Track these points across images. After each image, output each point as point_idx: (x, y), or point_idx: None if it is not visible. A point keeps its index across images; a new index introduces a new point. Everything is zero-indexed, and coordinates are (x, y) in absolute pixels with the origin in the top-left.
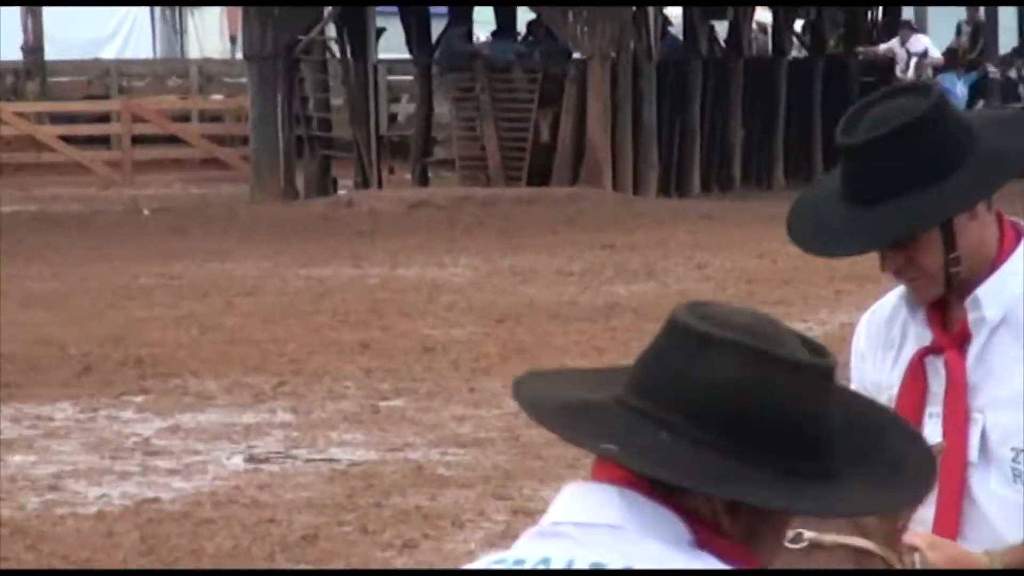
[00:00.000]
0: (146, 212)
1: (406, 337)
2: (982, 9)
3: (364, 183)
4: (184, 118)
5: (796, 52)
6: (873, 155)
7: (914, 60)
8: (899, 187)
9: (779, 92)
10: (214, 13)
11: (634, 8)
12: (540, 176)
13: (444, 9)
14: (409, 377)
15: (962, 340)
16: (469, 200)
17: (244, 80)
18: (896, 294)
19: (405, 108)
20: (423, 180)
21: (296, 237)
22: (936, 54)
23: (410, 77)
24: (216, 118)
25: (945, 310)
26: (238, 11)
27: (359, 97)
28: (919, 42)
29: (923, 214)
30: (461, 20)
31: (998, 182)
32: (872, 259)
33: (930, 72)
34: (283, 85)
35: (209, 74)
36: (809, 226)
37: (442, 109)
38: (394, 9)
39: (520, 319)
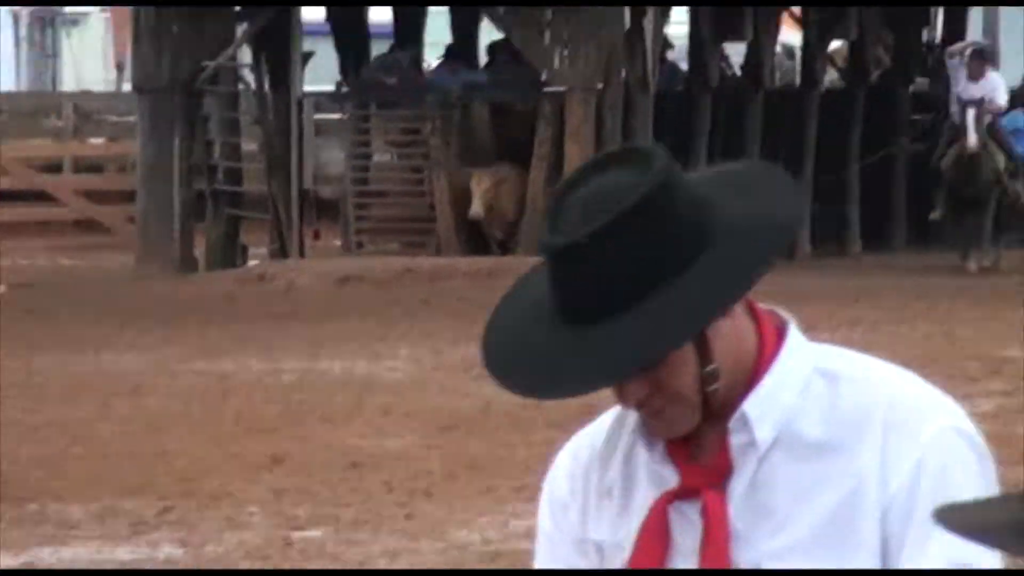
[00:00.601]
0: (1, 289)
1: (328, 450)
2: None
3: (281, 251)
4: (55, 168)
5: (831, 81)
6: (588, 259)
7: (970, 111)
8: (631, 296)
9: (808, 132)
10: (95, 33)
11: (627, 26)
12: (503, 242)
13: (388, 28)
14: (330, 501)
15: (721, 474)
16: (413, 273)
17: (132, 119)
18: (609, 419)
19: (336, 155)
20: (356, 248)
21: (192, 321)
22: (1001, 98)
23: (344, 115)
24: (95, 168)
25: (692, 437)
26: (126, 31)
27: (278, 141)
28: (988, 84)
29: (670, 329)
30: (408, 41)
31: (758, 267)
32: (920, 346)
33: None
34: (181, 125)
35: (87, 111)
36: (512, 354)
37: (383, 156)
38: (324, 28)
39: (472, 427)
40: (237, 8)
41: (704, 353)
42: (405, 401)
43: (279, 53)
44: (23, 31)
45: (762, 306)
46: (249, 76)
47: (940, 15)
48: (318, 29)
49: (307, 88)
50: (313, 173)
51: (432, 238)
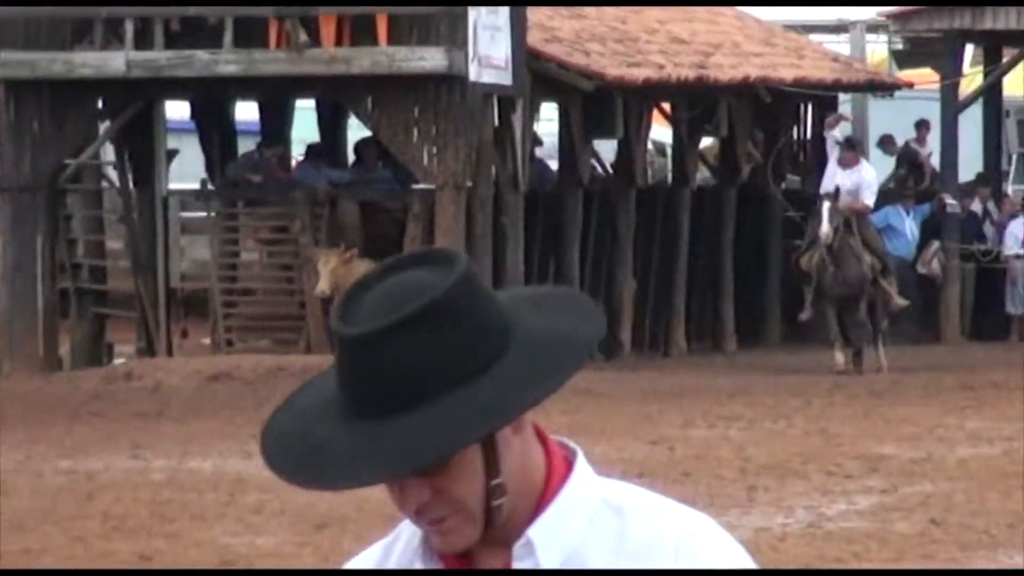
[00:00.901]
0: None
1: (199, 548)
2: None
3: (148, 350)
4: None
5: (702, 179)
6: (380, 351)
7: (825, 203)
8: (421, 393)
9: (680, 231)
10: None
11: (496, 123)
12: None
13: (254, 126)
14: None
15: None
16: (283, 372)
17: None
18: (382, 547)
19: (203, 253)
20: (226, 345)
21: (58, 420)
22: (868, 195)
23: (211, 213)
24: None
25: (473, 560)
26: None
27: (144, 238)
28: (858, 174)
29: (460, 427)
30: (274, 138)
31: (553, 380)
32: (797, 444)
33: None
34: (44, 224)
35: None
36: (294, 447)
37: (251, 254)
38: (189, 125)
39: (346, 524)
40: (100, 105)
41: (492, 464)
42: (277, 498)
43: (143, 150)
44: None
45: (552, 436)
46: (113, 174)
47: (810, 112)
48: (183, 126)
49: (172, 186)
50: (181, 271)
51: (303, 336)
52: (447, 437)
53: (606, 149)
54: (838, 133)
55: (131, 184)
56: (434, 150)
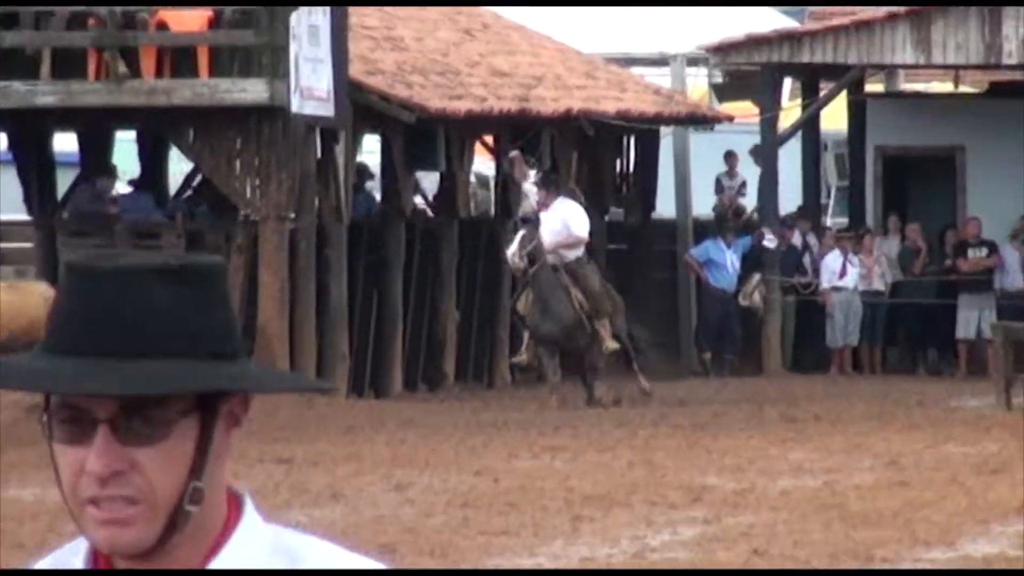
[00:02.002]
0: None
1: None
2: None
3: None
4: None
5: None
6: (144, 290)
7: (521, 230)
8: (168, 344)
9: (503, 262)
10: None
11: (319, 154)
12: None
13: (75, 156)
14: None
15: None
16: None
17: None
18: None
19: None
20: None
21: None
22: (578, 228)
23: (29, 244)
24: None
25: None
26: None
27: None
28: (556, 213)
29: (201, 374)
30: (96, 171)
31: (296, 384)
32: (622, 475)
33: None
34: None
35: None
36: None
37: None
38: (7, 156)
39: None
40: None
41: (200, 462)
42: None
43: None
44: None
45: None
46: None
47: (632, 144)
48: (1, 158)
49: None
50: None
51: None
52: (187, 377)
53: (429, 181)
54: (522, 175)
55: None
56: (257, 182)
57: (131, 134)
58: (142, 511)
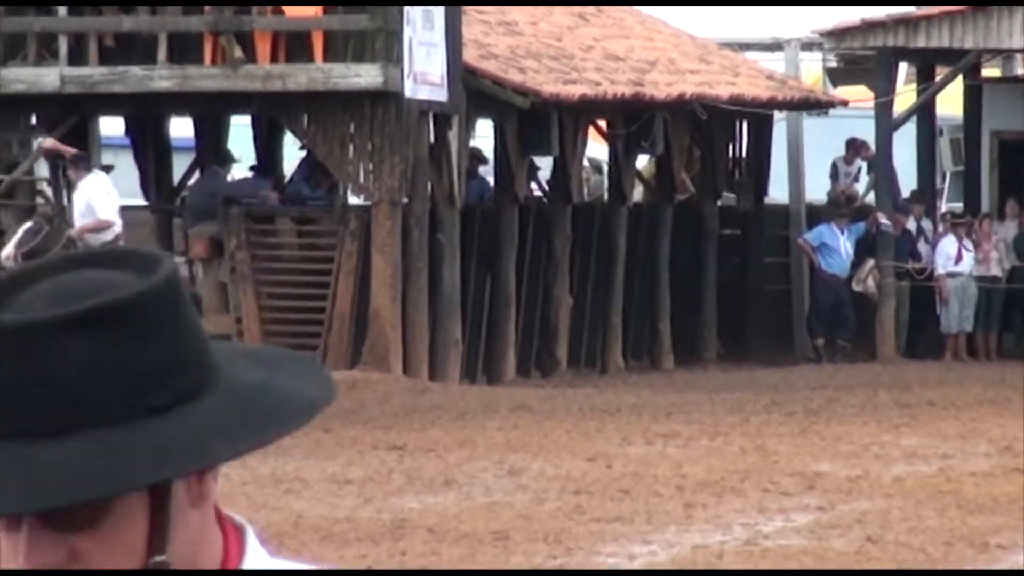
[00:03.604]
0: None
1: None
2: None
3: None
4: None
5: (642, 196)
6: (40, 351)
7: None
8: (84, 416)
9: (616, 247)
10: None
11: (432, 139)
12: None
13: (189, 141)
14: None
15: None
16: None
17: None
18: None
19: None
20: None
21: None
22: None
23: (145, 228)
24: None
25: None
26: None
27: None
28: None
29: (131, 463)
30: (211, 154)
31: (265, 434)
32: (735, 461)
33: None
34: None
35: None
36: None
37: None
38: (123, 141)
39: (283, 540)
40: (34, 121)
41: (158, 535)
42: None
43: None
44: None
45: (227, 513)
46: (48, 189)
47: (745, 129)
48: (118, 142)
49: None
50: None
51: None
52: (111, 472)
53: (544, 166)
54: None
55: (65, 200)
56: (370, 166)
57: (246, 119)
58: None
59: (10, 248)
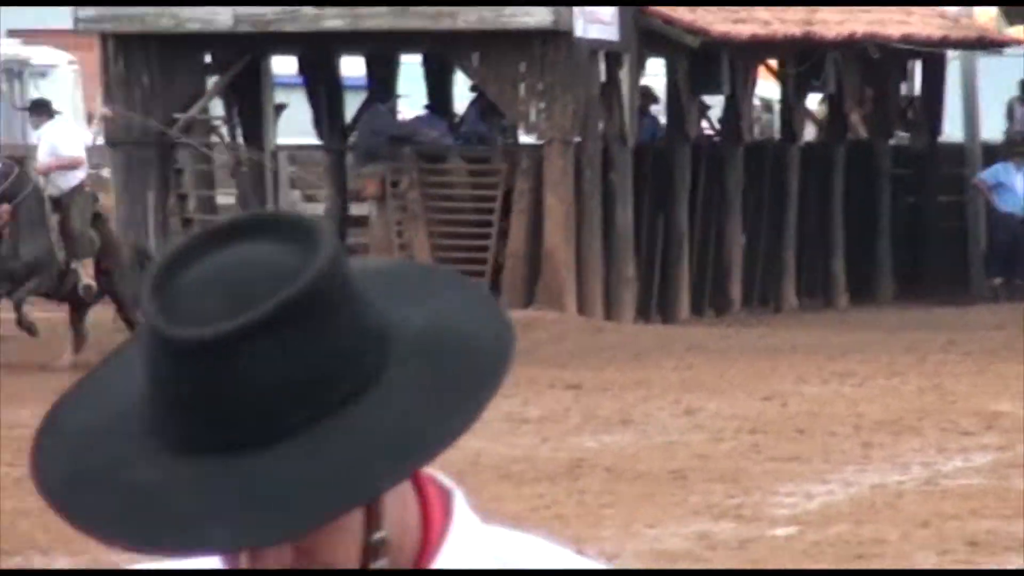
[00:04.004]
0: None
1: None
2: None
3: None
4: None
5: (815, 134)
6: (230, 362)
7: None
8: (287, 420)
9: (789, 187)
10: (65, 81)
11: (603, 79)
12: None
13: (361, 80)
14: None
15: None
16: None
17: (106, 174)
18: None
19: (312, 207)
20: None
21: None
22: None
23: (319, 167)
24: None
25: None
26: (96, 82)
27: (253, 193)
28: None
29: (347, 481)
30: (383, 93)
31: (476, 399)
32: (912, 400)
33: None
34: (155, 178)
35: None
36: (99, 491)
37: (361, 209)
38: (296, 80)
39: (462, 478)
40: (208, 59)
41: (374, 515)
42: None
43: (251, 105)
44: None
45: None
46: (222, 128)
47: (918, 69)
48: (290, 81)
49: (281, 140)
50: None
51: None
52: (331, 494)
53: (715, 105)
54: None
55: (240, 139)
56: (541, 105)
57: (418, 58)
58: None
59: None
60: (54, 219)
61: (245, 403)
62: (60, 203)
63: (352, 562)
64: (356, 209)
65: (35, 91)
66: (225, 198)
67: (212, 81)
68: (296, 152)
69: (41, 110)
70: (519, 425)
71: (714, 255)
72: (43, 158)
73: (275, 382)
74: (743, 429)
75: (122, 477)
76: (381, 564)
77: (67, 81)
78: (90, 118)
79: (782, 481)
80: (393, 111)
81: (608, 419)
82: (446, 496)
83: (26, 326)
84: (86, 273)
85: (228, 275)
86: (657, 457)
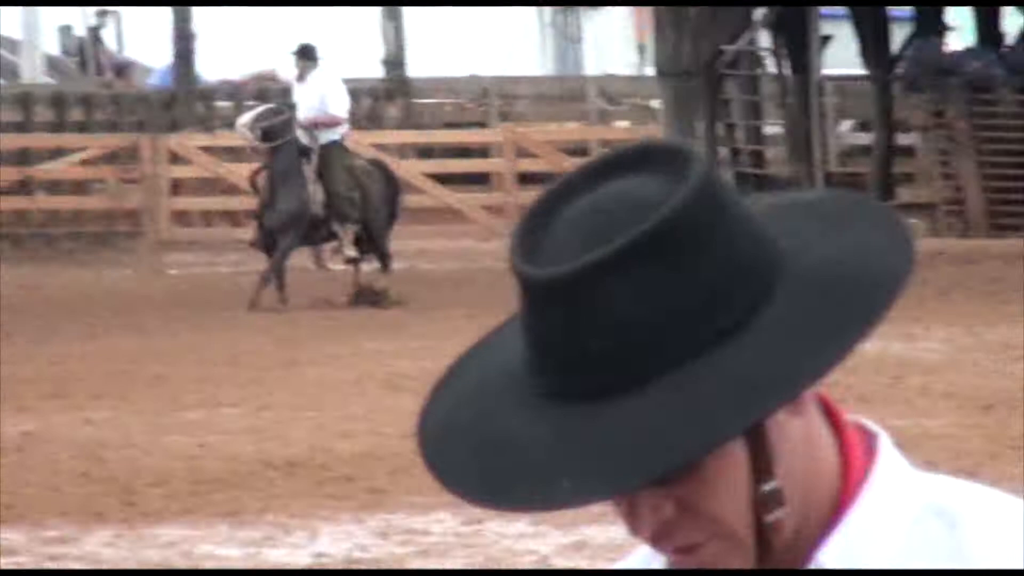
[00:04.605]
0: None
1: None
2: None
3: None
4: (581, 152)
5: None
6: (589, 301)
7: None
8: (652, 362)
9: None
10: (619, 16)
11: None
12: None
13: (907, 11)
14: None
15: None
16: (943, 255)
17: (654, 103)
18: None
19: (856, 137)
20: None
21: None
22: (336, 106)
23: (864, 98)
24: None
25: None
26: (647, 14)
27: (800, 124)
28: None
29: (720, 409)
30: (930, 25)
31: (847, 337)
32: None
33: None
34: (704, 109)
35: (611, 95)
36: (470, 448)
37: (907, 139)
38: (841, 11)
39: (1015, 406)
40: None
41: (762, 463)
42: (942, 381)
43: (797, 37)
44: (547, 16)
45: (847, 415)
46: (769, 60)
47: None
48: (836, 13)
49: (826, 71)
50: (836, 154)
51: (960, 220)
52: (702, 425)
53: None
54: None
55: (787, 70)
56: None
57: None
58: (720, 547)
59: (248, 117)
60: (309, 169)
61: (599, 345)
62: (319, 157)
63: (741, 515)
64: (903, 139)
65: (588, 24)
66: (772, 128)
67: (758, 14)
68: (842, 83)
69: (308, 55)
70: None
71: None
72: (308, 108)
73: (636, 322)
74: None
75: (482, 431)
76: (777, 515)
77: (620, 13)
78: (641, 48)
79: None
80: (940, 43)
81: None
82: (872, 441)
83: (278, 279)
84: (348, 240)
85: (594, 212)
86: None
